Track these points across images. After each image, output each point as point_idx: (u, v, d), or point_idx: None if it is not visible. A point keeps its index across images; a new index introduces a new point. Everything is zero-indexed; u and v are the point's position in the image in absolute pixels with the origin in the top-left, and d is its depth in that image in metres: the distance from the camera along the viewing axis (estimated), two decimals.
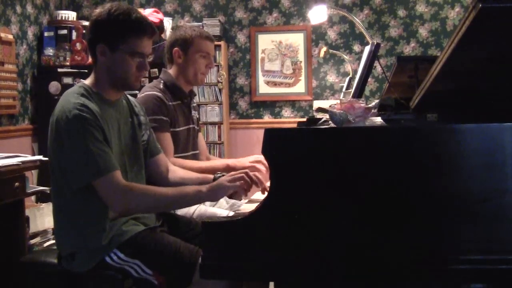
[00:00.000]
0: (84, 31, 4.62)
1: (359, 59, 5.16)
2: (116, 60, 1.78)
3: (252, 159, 2.33)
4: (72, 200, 1.74)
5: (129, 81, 1.82)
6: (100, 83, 1.83)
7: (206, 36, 2.40)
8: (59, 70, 4.62)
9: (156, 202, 1.75)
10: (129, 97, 2.01)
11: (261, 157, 2.13)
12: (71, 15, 5.00)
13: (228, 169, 2.36)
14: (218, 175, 2.02)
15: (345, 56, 5.21)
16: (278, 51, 5.60)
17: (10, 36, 4.25)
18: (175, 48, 2.38)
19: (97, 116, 1.71)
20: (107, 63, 1.79)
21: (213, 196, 1.77)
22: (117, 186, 1.68)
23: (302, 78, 5.58)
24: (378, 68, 5.27)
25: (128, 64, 1.79)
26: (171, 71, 2.43)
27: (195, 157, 2.46)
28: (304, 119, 3.68)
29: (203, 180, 2.03)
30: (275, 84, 5.63)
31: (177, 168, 2.11)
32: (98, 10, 1.80)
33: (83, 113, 1.68)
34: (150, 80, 2.95)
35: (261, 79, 5.64)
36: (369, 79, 5.12)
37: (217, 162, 2.48)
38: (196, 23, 5.23)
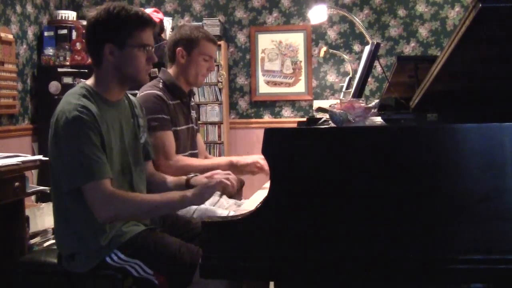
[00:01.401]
0: (84, 31, 4.62)
1: (359, 59, 5.15)
2: (126, 57, 1.79)
3: (255, 157, 2.34)
4: (71, 201, 1.74)
5: (140, 75, 1.83)
6: (103, 83, 1.82)
7: (211, 39, 2.39)
8: (59, 69, 4.62)
9: (140, 208, 1.72)
10: (131, 97, 2.00)
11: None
12: (71, 15, 5.00)
13: (232, 165, 2.37)
14: (191, 175, 2.03)
15: (345, 56, 5.21)
16: (278, 51, 5.60)
17: (10, 36, 4.25)
18: (179, 48, 2.36)
19: (97, 119, 1.71)
20: (116, 61, 1.79)
21: (199, 199, 1.75)
22: (104, 194, 1.66)
23: (302, 78, 5.58)
24: (378, 68, 5.27)
25: (138, 58, 1.80)
26: (171, 70, 2.42)
27: (193, 156, 2.45)
28: (304, 119, 3.67)
29: (178, 182, 2.04)
30: (275, 84, 5.63)
31: (156, 173, 2.11)
32: (93, 13, 1.80)
33: (83, 115, 1.68)
34: (150, 79, 2.94)
35: (261, 79, 5.64)
36: (369, 79, 5.12)
37: (219, 159, 2.49)
38: (196, 23, 5.23)
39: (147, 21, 1.82)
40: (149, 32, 1.83)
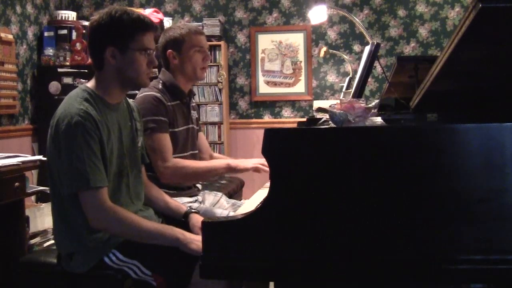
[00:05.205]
0: (84, 31, 4.62)
1: (359, 59, 5.16)
2: (128, 60, 1.80)
3: (255, 161, 2.32)
4: (69, 201, 1.74)
5: (141, 78, 1.84)
6: (104, 86, 1.83)
7: (195, 31, 2.39)
8: (59, 70, 4.63)
9: (132, 232, 1.74)
10: (129, 100, 2.02)
11: (264, 160, 2.11)
12: (71, 15, 5.01)
13: (229, 169, 2.36)
14: (192, 211, 2.05)
15: (345, 56, 5.21)
16: (278, 51, 5.60)
17: (10, 36, 4.25)
18: (169, 50, 2.36)
19: (98, 125, 1.72)
20: (117, 65, 1.80)
21: (187, 245, 1.73)
22: (100, 204, 1.69)
23: (302, 78, 5.58)
24: (378, 68, 5.27)
25: (139, 62, 1.81)
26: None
27: (194, 157, 2.45)
28: (304, 119, 3.67)
29: (174, 209, 2.05)
30: (275, 84, 5.63)
31: (152, 185, 2.12)
32: (96, 17, 1.81)
33: (85, 121, 1.69)
34: (150, 80, 2.94)
35: (261, 79, 5.64)
36: (369, 79, 5.12)
37: (217, 162, 2.47)
38: (196, 23, 5.24)
39: (149, 25, 1.83)
40: (150, 36, 1.84)
